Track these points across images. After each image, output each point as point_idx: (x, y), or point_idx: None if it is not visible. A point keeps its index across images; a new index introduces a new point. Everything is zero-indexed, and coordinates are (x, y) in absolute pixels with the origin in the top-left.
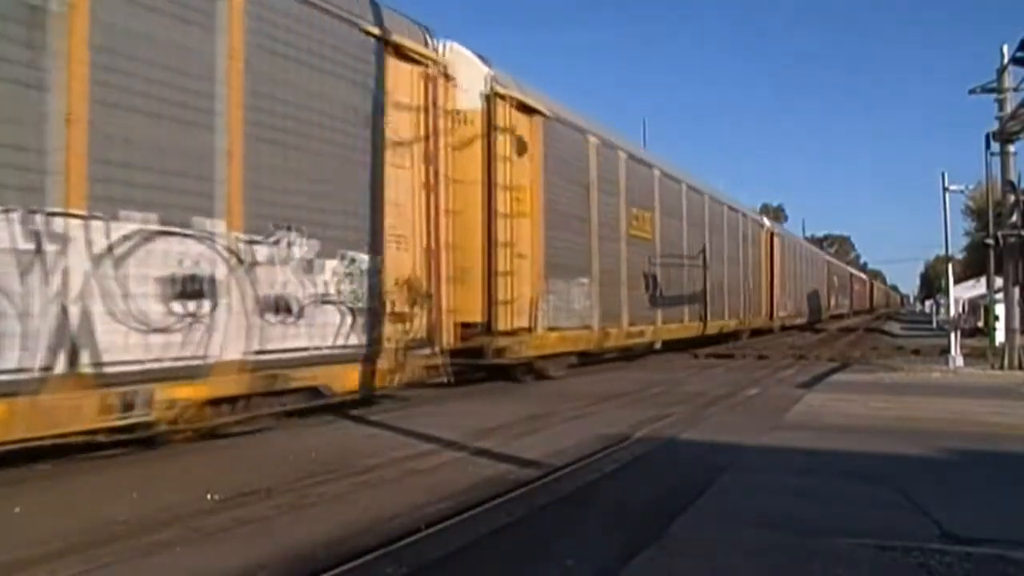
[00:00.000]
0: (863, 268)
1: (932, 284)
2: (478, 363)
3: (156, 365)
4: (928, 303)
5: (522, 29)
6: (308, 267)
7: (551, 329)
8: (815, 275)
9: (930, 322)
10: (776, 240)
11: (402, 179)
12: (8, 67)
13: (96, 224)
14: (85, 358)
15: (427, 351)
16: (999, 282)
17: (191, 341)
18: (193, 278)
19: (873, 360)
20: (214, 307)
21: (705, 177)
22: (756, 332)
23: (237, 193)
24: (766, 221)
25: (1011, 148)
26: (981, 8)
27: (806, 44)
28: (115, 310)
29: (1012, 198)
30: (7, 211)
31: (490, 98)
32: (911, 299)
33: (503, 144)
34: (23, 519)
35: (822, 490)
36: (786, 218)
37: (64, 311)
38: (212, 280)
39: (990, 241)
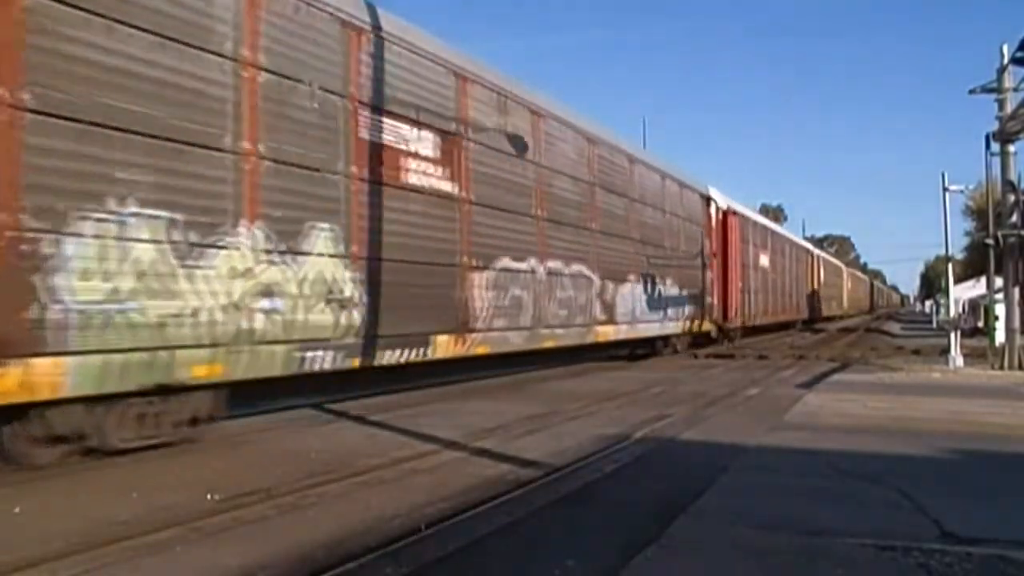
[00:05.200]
0: (863, 268)
1: (932, 284)
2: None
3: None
4: (928, 303)
5: (523, 30)
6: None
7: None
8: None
9: (930, 322)
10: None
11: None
12: None
13: None
14: None
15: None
16: (999, 282)
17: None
18: None
19: (873, 360)
20: None
21: (705, 177)
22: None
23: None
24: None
25: (1011, 148)
26: (981, 8)
27: (806, 43)
28: None
29: (1012, 198)
30: None
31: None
32: (911, 299)
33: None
34: (23, 519)
35: (822, 490)
36: (786, 218)
37: None
38: None
39: (990, 241)
